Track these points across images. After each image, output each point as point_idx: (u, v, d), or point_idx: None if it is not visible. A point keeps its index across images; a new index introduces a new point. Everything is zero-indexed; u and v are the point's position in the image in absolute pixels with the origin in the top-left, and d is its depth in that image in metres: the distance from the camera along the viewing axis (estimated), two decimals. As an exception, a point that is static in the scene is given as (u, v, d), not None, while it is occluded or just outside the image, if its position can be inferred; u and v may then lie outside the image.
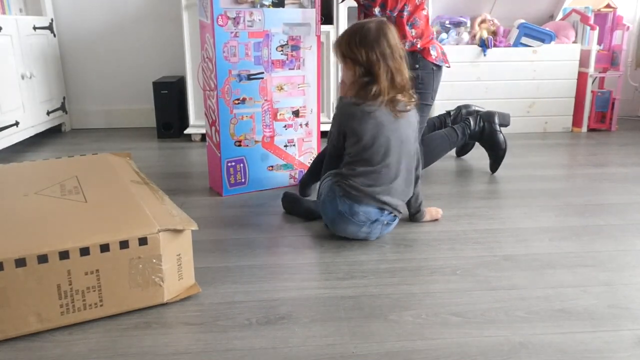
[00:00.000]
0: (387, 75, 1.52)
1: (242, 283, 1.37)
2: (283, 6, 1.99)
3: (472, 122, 2.26)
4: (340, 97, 1.65)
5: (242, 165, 2.07)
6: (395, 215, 1.62)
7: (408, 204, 1.71)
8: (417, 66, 2.04)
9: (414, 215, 1.76)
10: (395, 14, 1.97)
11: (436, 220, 1.78)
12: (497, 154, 2.29)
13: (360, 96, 1.55)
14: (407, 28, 1.99)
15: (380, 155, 1.55)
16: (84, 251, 1.14)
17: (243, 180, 2.09)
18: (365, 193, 1.55)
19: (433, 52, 2.05)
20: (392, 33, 1.55)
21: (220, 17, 1.90)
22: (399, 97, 1.56)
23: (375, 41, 1.52)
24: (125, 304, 1.21)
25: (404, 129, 1.58)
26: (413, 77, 1.62)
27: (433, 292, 1.32)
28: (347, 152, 1.61)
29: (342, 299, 1.29)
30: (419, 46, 2.01)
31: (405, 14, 1.98)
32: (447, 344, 1.11)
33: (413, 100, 1.60)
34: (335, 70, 2.90)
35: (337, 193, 1.58)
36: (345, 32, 1.59)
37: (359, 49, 1.52)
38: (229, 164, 2.05)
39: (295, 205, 1.84)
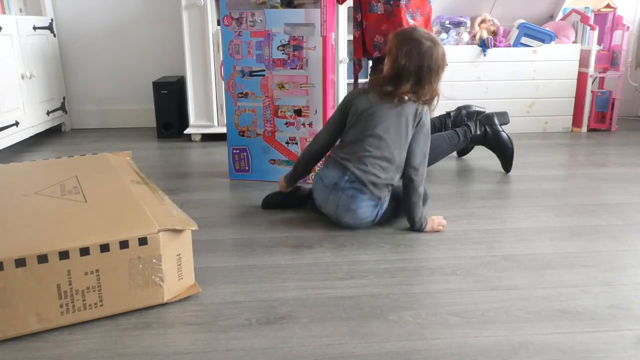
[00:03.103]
0: (410, 88, 1.64)
1: (242, 283, 1.37)
2: (293, 6, 2.03)
3: (473, 127, 2.26)
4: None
5: (245, 154, 2.20)
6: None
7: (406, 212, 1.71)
8: None
9: (411, 228, 1.71)
10: (392, 2, 2.04)
11: (437, 232, 1.69)
12: (505, 154, 2.29)
13: (377, 90, 1.68)
14: (406, 17, 2.02)
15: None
16: (84, 251, 1.14)
17: (247, 168, 2.22)
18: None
19: None
20: (440, 53, 1.65)
21: (225, 17, 2.06)
22: (411, 96, 1.65)
23: (420, 57, 1.62)
24: (125, 304, 1.21)
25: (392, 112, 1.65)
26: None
27: (433, 292, 1.32)
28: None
29: (342, 299, 1.29)
30: None
31: (403, 2, 2.02)
32: (447, 344, 1.11)
33: (426, 107, 1.69)
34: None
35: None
36: (407, 35, 1.67)
37: (402, 54, 1.62)
38: (234, 151, 2.21)
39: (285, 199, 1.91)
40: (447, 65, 1.69)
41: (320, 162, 1.85)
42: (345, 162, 1.66)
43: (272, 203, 1.90)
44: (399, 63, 1.63)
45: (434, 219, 1.71)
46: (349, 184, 1.64)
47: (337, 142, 1.79)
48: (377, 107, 1.66)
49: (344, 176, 1.64)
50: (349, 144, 1.69)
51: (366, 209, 1.65)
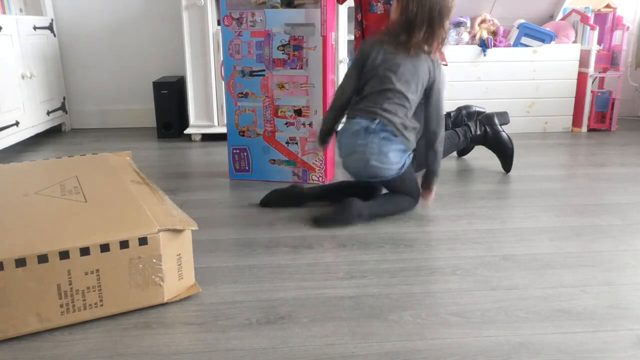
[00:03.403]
0: (423, 35, 1.66)
1: (242, 283, 1.37)
2: (293, 6, 2.04)
3: (473, 127, 2.26)
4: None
5: (245, 154, 2.21)
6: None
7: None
8: None
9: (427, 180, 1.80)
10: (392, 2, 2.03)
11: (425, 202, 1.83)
12: (505, 154, 2.29)
13: (390, 40, 1.71)
14: None
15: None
16: (84, 251, 1.14)
17: (247, 167, 2.22)
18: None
19: None
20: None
21: (225, 17, 2.07)
22: (425, 47, 1.68)
23: (431, 5, 1.64)
24: (125, 304, 1.21)
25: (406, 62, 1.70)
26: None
27: (433, 292, 1.32)
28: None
29: (342, 299, 1.29)
30: None
31: None
32: (447, 344, 1.11)
33: (438, 65, 1.73)
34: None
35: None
36: None
37: (413, 2, 1.64)
38: (234, 151, 2.21)
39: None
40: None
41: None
42: (373, 108, 1.69)
43: (272, 202, 1.90)
44: (410, 11, 1.65)
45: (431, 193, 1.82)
46: (381, 126, 1.68)
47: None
48: (394, 59, 1.70)
49: (374, 121, 1.69)
50: (369, 96, 1.72)
51: (396, 154, 1.71)
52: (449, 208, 1.89)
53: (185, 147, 2.87)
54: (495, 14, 3.19)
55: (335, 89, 1.90)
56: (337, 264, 1.48)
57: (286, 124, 2.13)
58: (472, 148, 2.54)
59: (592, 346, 1.10)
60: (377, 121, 1.68)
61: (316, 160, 2.16)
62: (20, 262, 1.09)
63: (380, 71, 1.71)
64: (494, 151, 2.32)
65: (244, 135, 2.19)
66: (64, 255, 1.12)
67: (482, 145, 2.31)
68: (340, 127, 1.85)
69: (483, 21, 3.07)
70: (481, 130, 2.26)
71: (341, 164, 1.84)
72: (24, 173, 1.65)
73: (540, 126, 3.11)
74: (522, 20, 3.02)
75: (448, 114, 2.46)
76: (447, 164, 2.45)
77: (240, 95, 2.15)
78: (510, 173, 2.30)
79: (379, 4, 2.08)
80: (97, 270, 1.16)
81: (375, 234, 1.68)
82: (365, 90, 1.75)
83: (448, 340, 1.12)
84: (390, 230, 1.70)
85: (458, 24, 3.07)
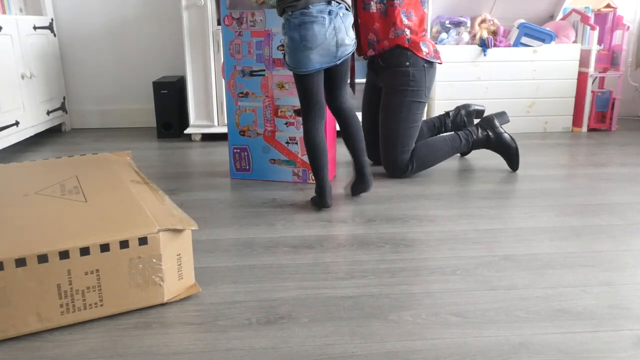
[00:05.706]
0: None
1: (242, 283, 1.37)
2: None
3: (475, 132, 2.26)
4: None
5: (245, 153, 2.22)
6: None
7: None
8: (407, 64, 2.08)
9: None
10: (386, 1, 2.09)
11: None
12: (510, 154, 2.29)
13: None
14: (401, 16, 2.06)
15: None
16: (84, 251, 1.14)
17: (247, 167, 2.23)
18: None
19: (424, 48, 2.09)
20: None
21: (226, 17, 2.09)
22: None
23: None
24: (125, 303, 1.21)
25: None
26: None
27: (433, 292, 1.32)
28: None
29: (342, 299, 1.29)
30: (407, 38, 2.06)
31: (398, 1, 2.06)
32: (447, 344, 1.11)
33: None
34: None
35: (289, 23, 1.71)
36: None
37: None
38: (235, 150, 2.23)
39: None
40: None
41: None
42: None
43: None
44: None
45: None
46: (336, 4, 1.70)
47: None
48: None
49: (330, 4, 1.69)
50: None
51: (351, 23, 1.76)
52: (450, 208, 1.89)
53: (185, 147, 2.87)
54: (495, 13, 3.19)
55: None
56: (337, 264, 1.48)
57: (286, 123, 2.14)
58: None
59: (592, 346, 1.10)
60: (332, 2, 1.69)
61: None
62: (20, 262, 1.09)
63: None
64: (499, 153, 2.32)
65: (244, 135, 2.20)
66: (64, 255, 1.12)
67: (486, 149, 2.31)
68: (291, 19, 1.70)
69: (483, 21, 3.07)
70: (483, 135, 2.26)
71: (304, 56, 1.71)
72: (24, 173, 1.65)
73: (540, 126, 3.11)
74: (522, 20, 3.02)
75: (447, 114, 2.47)
76: (448, 163, 2.45)
77: (240, 95, 2.16)
78: (510, 173, 2.30)
79: (372, 3, 2.10)
80: (97, 270, 1.16)
81: (375, 234, 1.68)
82: None
83: (448, 340, 1.12)
84: (390, 230, 1.70)
85: (458, 24, 3.07)
